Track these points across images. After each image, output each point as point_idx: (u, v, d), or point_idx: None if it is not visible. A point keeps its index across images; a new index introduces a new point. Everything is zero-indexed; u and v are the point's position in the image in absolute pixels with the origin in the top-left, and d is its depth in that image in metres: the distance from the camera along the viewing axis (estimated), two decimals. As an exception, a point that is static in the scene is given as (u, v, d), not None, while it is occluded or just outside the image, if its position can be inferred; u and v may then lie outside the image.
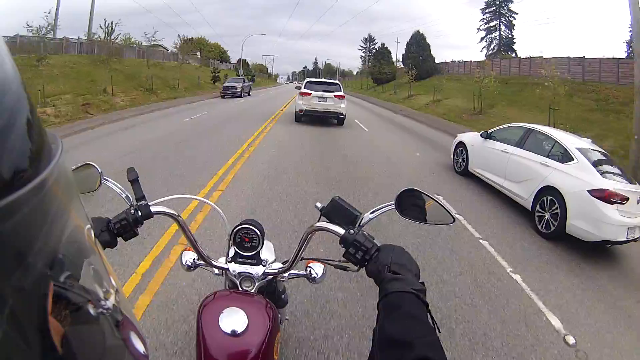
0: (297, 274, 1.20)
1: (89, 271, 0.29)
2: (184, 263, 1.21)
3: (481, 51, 45.50)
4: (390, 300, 0.70)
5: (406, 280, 0.73)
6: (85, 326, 0.28)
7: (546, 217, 4.93)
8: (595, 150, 5.41)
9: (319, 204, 0.96)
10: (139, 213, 0.95)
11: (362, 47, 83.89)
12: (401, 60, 37.72)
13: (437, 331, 0.66)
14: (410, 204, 0.93)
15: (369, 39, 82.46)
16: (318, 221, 0.95)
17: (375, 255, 0.84)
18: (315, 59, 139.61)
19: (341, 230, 0.89)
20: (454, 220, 0.94)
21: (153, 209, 0.97)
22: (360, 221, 0.91)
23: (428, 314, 0.69)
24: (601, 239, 4.40)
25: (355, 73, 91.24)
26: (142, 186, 1.01)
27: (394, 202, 0.92)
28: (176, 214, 1.01)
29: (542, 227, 4.97)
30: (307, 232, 0.97)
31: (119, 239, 0.96)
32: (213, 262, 1.12)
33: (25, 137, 0.23)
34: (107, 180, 1.03)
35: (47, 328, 0.22)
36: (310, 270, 1.20)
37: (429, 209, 0.93)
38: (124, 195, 1.01)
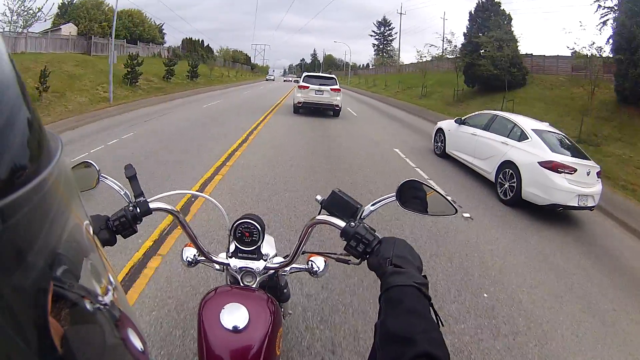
0: (299, 268, 1.16)
1: (88, 269, 0.28)
2: (184, 259, 1.17)
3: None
4: (391, 294, 0.67)
5: (408, 273, 0.70)
6: (85, 325, 0.27)
7: (506, 186, 5.48)
8: (552, 131, 5.89)
9: (319, 197, 0.92)
10: (138, 210, 0.91)
11: (374, 33, 62.36)
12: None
13: (439, 325, 0.64)
14: (411, 196, 0.89)
15: (384, 23, 61.01)
16: (319, 214, 0.91)
17: (377, 247, 0.81)
18: (314, 50, 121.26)
19: (342, 223, 0.85)
20: (456, 211, 0.89)
21: (152, 205, 0.93)
22: (361, 214, 0.88)
23: (430, 307, 0.66)
24: (551, 203, 4.93)
25: (360, 66, 70.37)
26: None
27: (395, 194, 0.89)
28: (175, 210, 0.97)
29: (502, 195, 5.54)
30: (307, 226, 0.93)
31: (118, 237, 0.92)
32: (213, 258, 1.08)
33: (25, 136, 0.23)
34: (106, 178, 0.99)
35: (47, 327, 0.22)
36: (311, 264, 1.16)
37: (430, 200, 0.89)
38: (122, 193, 0.98)
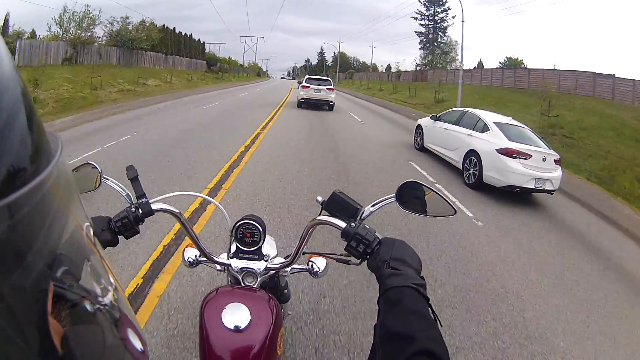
0: (299, 269, 1.14)
1: (88, 270, 0.28)
2: (186, 260, 1.14)
3: None
4: (390, 295, 0.66)
5: (405, 275, 0.69)
6: (84, 326, 0.26)
7: (470, 171, 5.95)
8: (513, 124, 6.36)
9: (319, 198, 0.89)
10: (140, 211, 0.89)
11: (419, 14, 38.96)
12: None
13: (438, 325, 0.62)
14: (411, 197, 0.88)
15: (436, 1, 38.45)
16: (319, 215, 0.89)
17: (377, 248, 0.79)
18: (322, 48, 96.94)
19: (342, 224, 0.83)
20: (455, 212, 0.86)
21: (154, 206, 0.90)
22: (362, 214, 0.85)
23: (429, 308, 0.64)
24: (507, 184, 5.38)
25: (394, 67, 43.18)
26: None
27: (394, 194, 0.87)
28: (177, 211, 0.94)
29: (467, 180, 6.01)
30: (308, 227, 0.90)
31: (120, 238, 0.89)
32: (215, 258, 1.05)
33: (24, 137, 0.22)
34: (107, 179, 0.95)
35: (47, 328, 0.21)
36: (312, 265, 1.14)
37: (428, 201, 0.87)
38: (124, 194, 0.94)
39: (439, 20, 37.93)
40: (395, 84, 30.51)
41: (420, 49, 39.62)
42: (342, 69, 56.81)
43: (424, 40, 39.01)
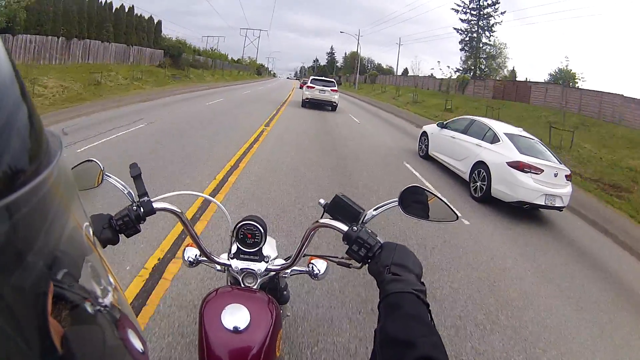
0: (300, 271, 1.13)
1: (87, 270, 0.28)
2: (186, 259, 1.14)
3: None
4: (390, 300, 0.65)
5: (406, 281, 0.69)
6: (85, 326, 0.26)
7: (478, 184, 5.72)
8: (524, 136, 6.13)
9: (322, 201, 0.90)
10: (141, 209, 0.88)
11: (460, 6, 29.82)
12: None
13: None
14: (413, 201, 0.88)
15: None
16: (321, 218, 0.89)
17: (378, 253, 0.79)
18: (332, 48, 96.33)
19: (344, 227, 0.83)
20: (457, 217, 0.87)
21: (155, 205, 0.90)
22: (364, 218, 0.86)
23: (429, 314, 0.64)
24: (517, 200, 5.15)
25: (438, 73, 34.20)
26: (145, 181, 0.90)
27: (397, 199, 0.87)
28: (179, 210, 0.93)
29: (474, 192, 5.78)
30: (309, 229, 0.90)
31: (121, 236, 0.88)
32: (215, 259, 1.05)
33: (25, 137, 0.22)
34: (109, 177, 0.95)
35: (47, 328, 0.21)
36: (312, 267, 1.13)
37: (431, 206, 0.87)
38: (126, 192, 0.94)
39: (484, 16, 29.06)
40: (481, 102, 19.57)
41: (460, 49, 30.76)
42: (370, 75, 48.80)
43: (466, 39, 30.23)
